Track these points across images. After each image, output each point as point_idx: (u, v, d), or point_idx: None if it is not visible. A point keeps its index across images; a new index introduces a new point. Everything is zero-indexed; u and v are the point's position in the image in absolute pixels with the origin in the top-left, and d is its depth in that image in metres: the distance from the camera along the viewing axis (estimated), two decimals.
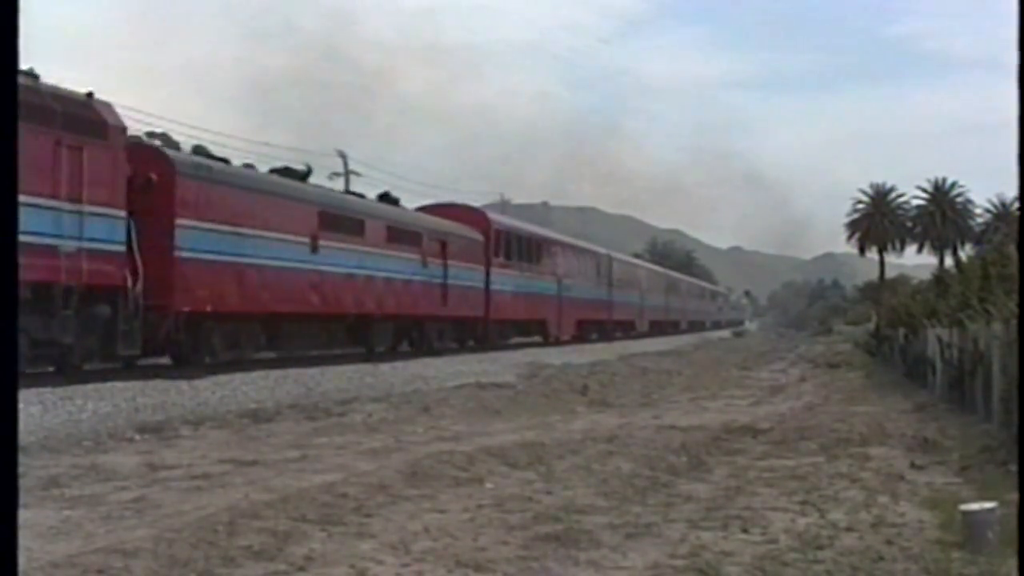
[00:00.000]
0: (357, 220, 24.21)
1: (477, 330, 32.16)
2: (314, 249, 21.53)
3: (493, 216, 35.26)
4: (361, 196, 27.18)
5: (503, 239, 34.31)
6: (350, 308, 23.44)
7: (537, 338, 38.13)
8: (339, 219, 23.10)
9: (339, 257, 22.61)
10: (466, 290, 30.52)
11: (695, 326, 77.73)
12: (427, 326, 28.36)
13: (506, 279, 33.94)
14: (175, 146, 19.50)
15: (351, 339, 24.78)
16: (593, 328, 45.81)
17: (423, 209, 32.64)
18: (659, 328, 60.87)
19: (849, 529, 6.30)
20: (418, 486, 7.81)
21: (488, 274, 32.30)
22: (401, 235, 26.57)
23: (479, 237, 32.17)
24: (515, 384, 19.54)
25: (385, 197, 28.91)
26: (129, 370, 16.40)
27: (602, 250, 50.52)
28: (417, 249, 27.32)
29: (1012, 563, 4.54)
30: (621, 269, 52.53)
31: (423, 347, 27.70)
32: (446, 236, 29.47)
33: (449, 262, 29.08)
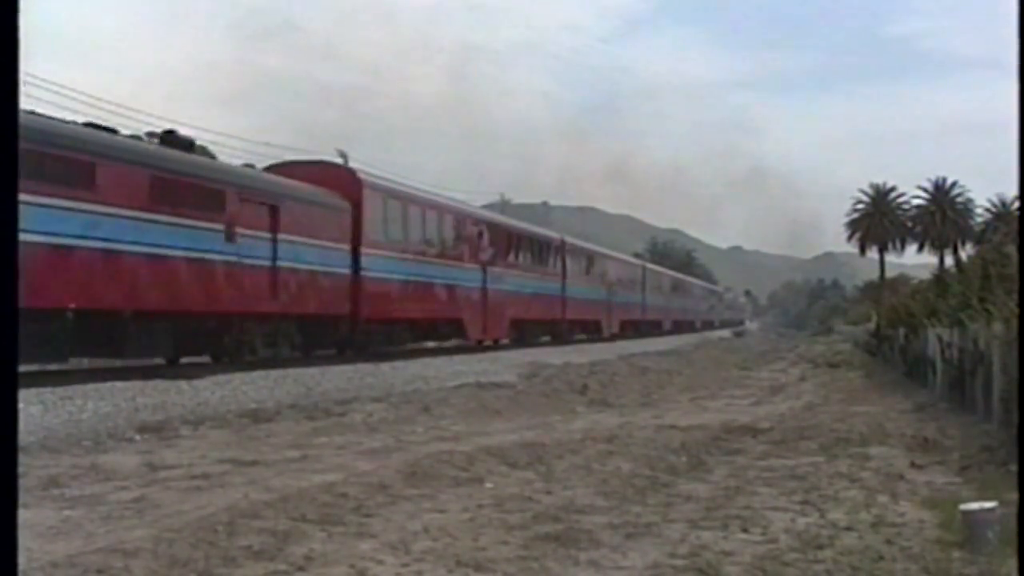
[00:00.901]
0: (78, 162, 15.50)
1: (340, 332, 23.59)
2: None
3: (367, 177, 25.13)
4: (112, 132, 17.71)
5: (384, 209, 25.21)
6: (63, 300, 15.15)
7: (451, 342, 30.43)
8: (36, 159, 14.12)
9: (39, 219, 13.99)
10: (316, 276, 21.81)
11: (682, 327, 69.02)
12: (244, 327, 19.86)
13: (390, 264, 24.86)
14: None
15: (90, 346, 16.57)
16: (540, 329, 38.88)
17: (269, 169, 23.70)
18: (634, 330, 53.36)
19: (849, 529, 6.30)
20: (418, 486, 7.81)
21: (358, 256, 23.24)
22: (181, 192, 17.80)
23: (342, 204, 23.05)
24: (515, 384, 19.54)
25: (169, 138, 19.05)
26: (129, 370, 16.38)
27: (552, 234, 42.75)
28: (215, 214, 18.58)
29: (1012, 563, 4.54)
30: (581, 258, 44.62)
31: (241, 356, 19.59)
32: (277, 199, 20.69)
33: (283, 236, 20.35)
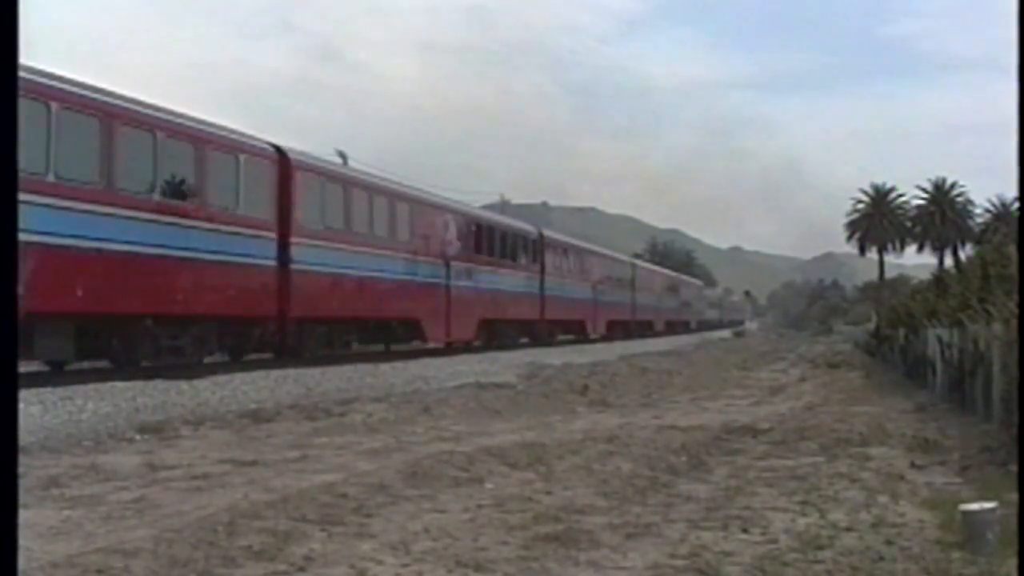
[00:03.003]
0: None
1: None
2: None
3: None
4: None
5: None
6: None
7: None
8: None
9: None
10: None
11: (625, 331, 50.66)
12: None
13: None
14: None
15: None
16: (356, 331, 24.43)
17: None
18: (527, 334, 36.64)
19: (849, 529, 6.30)
20: (418, 486, 7.81)
21: None
22: None
23: None
24: (515, 384, 19.53)
25: None
26: (129, 370, 16.37)
27: (394, 185, 26.76)
28: None
29: (1012, 563, 4.54)
30: (437, 220, 27.93)
31: None
32: None
33: None
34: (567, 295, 40.76)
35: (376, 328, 25.52)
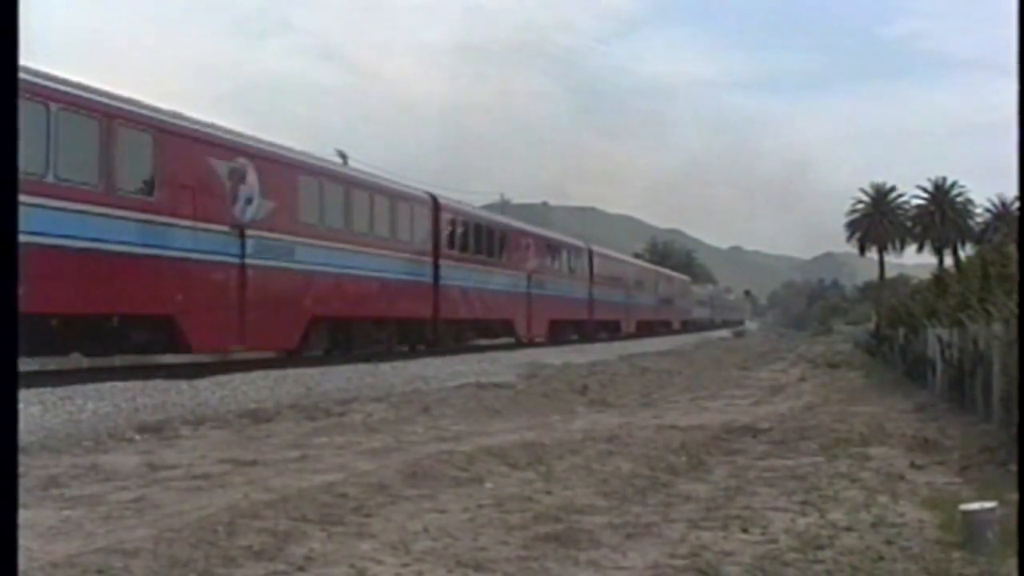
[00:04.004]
0: None
1: None
2: None
3: None
4: None
5: None
6: None
7: None
8: None
9: None
10: None
11: (577, 329, 43.03)
12: None
13: None
14: None
15: None
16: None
17: None
18: (381, 344, 25.30)
19: (849, 529, 6.30)
20: (418, 486, 7.81)
21: None
22: None
23: None
24: (515, 384, 19.53)
25: None
26: (129, 370, 16.37)
27: (122, 103, 16.12)
28: None
29: (1012, 563, 4.54)
30: (218, 168, 18.36)
31: None
32: None
33: None
34: (482, 286, 31.22)
35: (82, 328, 16.04)
